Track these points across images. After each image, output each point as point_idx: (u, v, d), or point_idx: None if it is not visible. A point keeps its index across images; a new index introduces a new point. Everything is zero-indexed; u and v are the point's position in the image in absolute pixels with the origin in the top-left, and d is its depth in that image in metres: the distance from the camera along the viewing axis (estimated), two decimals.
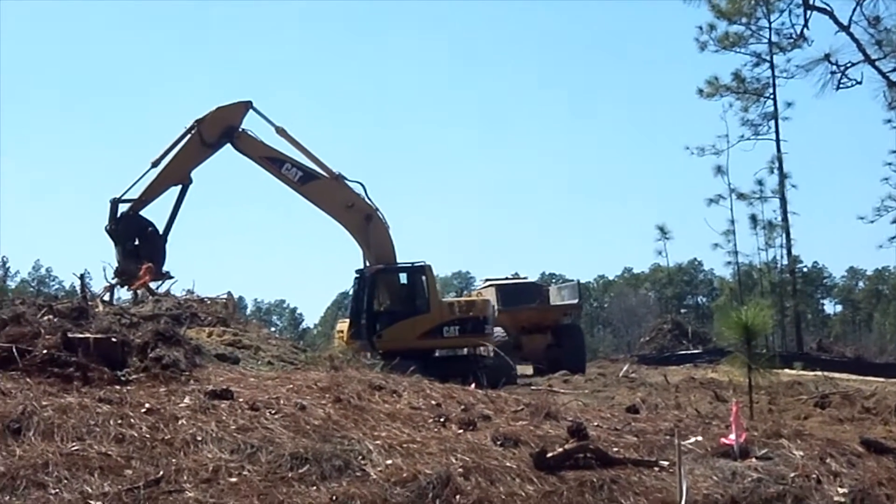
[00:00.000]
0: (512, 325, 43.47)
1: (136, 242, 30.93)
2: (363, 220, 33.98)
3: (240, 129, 32.95)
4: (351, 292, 35.67)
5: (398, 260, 34.94)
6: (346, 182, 34.16)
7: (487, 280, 48.64)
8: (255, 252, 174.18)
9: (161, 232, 31.39)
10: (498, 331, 41.25)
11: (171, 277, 30.35)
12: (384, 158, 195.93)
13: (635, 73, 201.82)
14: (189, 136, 31.99)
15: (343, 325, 36.13)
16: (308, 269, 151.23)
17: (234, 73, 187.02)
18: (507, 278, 48.22)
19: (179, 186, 32.16)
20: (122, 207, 31.00)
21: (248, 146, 33.16)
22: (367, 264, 34.50)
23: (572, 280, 51.90)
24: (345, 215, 34.03)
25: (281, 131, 33.19)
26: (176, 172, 31.85)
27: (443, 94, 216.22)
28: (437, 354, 34.22)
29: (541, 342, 44.64)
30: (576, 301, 46.68)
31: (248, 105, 33.14)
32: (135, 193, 31.23)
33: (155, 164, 31.51)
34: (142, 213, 31.39)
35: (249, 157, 33.27)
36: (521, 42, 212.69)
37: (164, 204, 31.75)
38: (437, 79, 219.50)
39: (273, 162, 33.43)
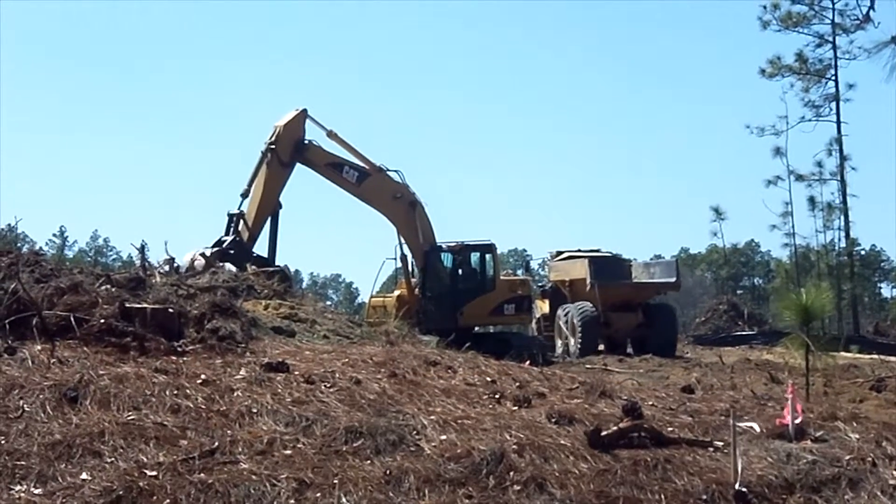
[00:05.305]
0: (602, 300, 40.81)
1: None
2: (408, 208, 34.32)
3: (305, 141, 33.45)
4: (408, 269, 35.52)
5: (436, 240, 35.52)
6: (388, 173, 34.60)
7: (560, 252, 46.51)
8: (311, 226, 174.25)
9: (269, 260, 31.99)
10: (586, 305, 40.69)
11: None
12: (429, 136, 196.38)
13: (695, 50, 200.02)
14: (266, 162, 32.43)
15: (385, 300, 36.24)
16: (363, 244, 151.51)
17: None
18: (578, 250, 45.55)
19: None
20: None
21: (316, 156, 33.68)
22: (404, 250, 35.02)
23: (660, 258, 50.84)
24: (392, 207, 34.42)
25: (332, 134, 33.67)
26: (270, 202, 32.52)
27: (493, 69, 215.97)
28: (476, 331, 34.52)
29: (631, 321, 42.09)
30: (673, 280, 43.31)
31: (304, 114, 33.56)
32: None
33: (244, 195, 32.27)
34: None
35: (315, 168, 33.77)
36: (577, 16, 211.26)
37: None
38: (482, 50, 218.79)
39: (335, 167, 33.88)
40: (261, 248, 32.17)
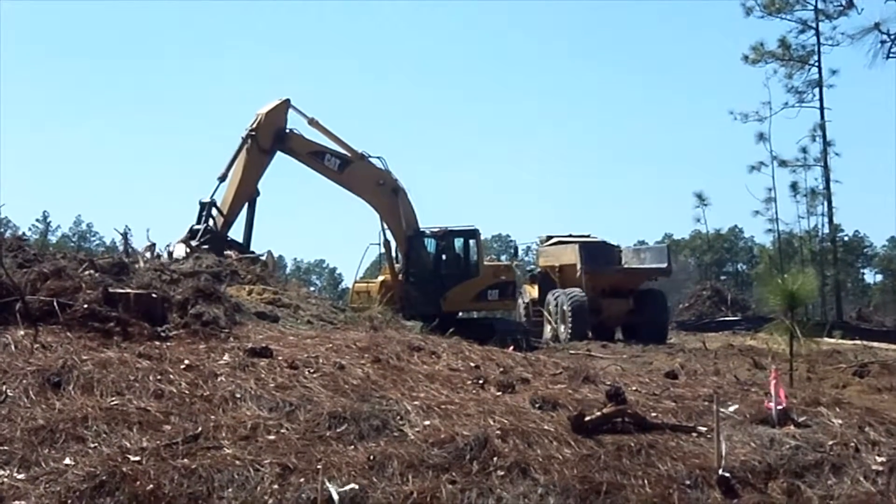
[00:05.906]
0: (593, 286, 40.87)
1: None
2: (391, 194, 34.23)
3: (287, 130, 33.31)
4: (392, 254, 35.44)
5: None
6: (370, 160, 34.52)
7: (550, 237, 46.14)
8: (295, 211, 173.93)
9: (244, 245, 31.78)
10: (576, 291, 40.21)
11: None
12: (415, 123, 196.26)
13: (679, 37, 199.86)
14: (246, 148, 32.23)
15: (369, 285, 36.21)
16: (347, 230, 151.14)
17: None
18: (569, 235, 45.29)
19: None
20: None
21: (297, 144, 33.54)
22: (387, 236, 34.94)
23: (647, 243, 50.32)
24: (376, 193, 34.34)
25: (314, 122, 33.55)
26: (247, 188, 32.29)
27: (476, 55, 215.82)
28: (460, 316, 34.44)
29: (622, 307, 41.84)
30: (665, 265, 43.12)
31: (287, 103, 33.47)
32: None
33: (222, 179, 31.97)
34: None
35: (296, 156, 33.63)
36: (560, 3, 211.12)
37: None
38: (464, 37, 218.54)
39: (316, 156, 33.78)
40: (236, 235, 31.96)
